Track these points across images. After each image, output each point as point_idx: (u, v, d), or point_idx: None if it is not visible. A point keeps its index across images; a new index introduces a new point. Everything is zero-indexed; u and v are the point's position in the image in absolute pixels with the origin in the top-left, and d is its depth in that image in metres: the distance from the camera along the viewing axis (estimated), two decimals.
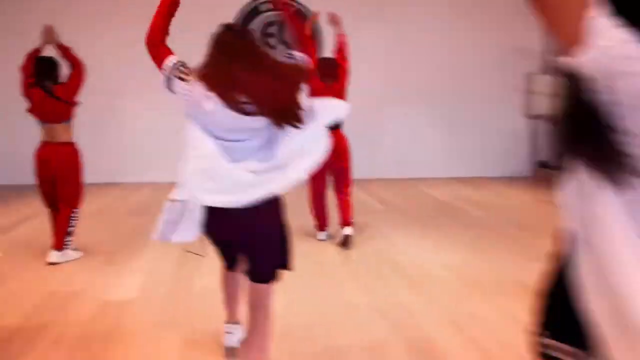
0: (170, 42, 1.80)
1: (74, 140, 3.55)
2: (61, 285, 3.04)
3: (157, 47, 1.78)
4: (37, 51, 3.50)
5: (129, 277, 3.18)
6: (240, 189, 1.66)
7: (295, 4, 6.77)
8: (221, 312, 2.23)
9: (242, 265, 1.95)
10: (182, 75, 1.72)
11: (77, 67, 3.47)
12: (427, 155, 7.34)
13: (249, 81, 1.66)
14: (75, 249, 3.57)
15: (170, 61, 1.74)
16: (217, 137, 1.71)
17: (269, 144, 1.75)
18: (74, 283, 3.08)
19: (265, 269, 1.86)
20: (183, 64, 1.74)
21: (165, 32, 1.81)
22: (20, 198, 5.62)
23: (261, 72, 1.68)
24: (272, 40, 7.01)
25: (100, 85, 5.48)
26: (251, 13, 6.91)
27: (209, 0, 6.69)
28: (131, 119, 6.89)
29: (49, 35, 3.46)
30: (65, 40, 3.53)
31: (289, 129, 1.71)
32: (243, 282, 2.02)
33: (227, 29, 1.79)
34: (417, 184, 6.70)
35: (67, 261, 3.45)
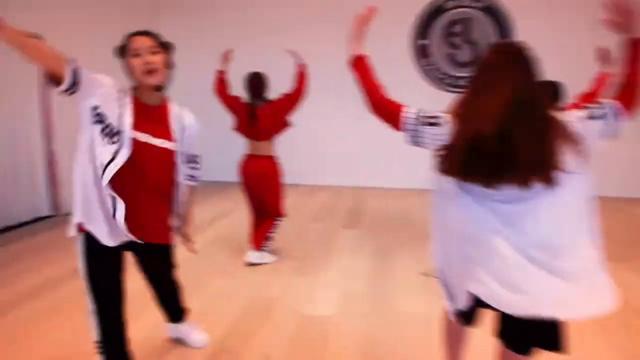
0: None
1: (276, 153, 3.64)
2: (260, 291, 3.11)
3: (385, 106, 1.53)
4: (222, 73, 3.55)
5: (323, 292, 3.11)
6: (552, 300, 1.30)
7: None
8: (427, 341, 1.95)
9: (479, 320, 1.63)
10: (432, 120, 1.43)
11: (299, 89, 3.46)
12: None
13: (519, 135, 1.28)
14: (271, 253, 3.70)
15: (409, 114, 1.47)
16: (483, 197, 1.38)
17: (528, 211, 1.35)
18: (271, 290, 3.14)
19: (535, 338, 1.48)
20: (423, 111, 1.46)
21: (382, 89, 1.57)
22: (219, 193, 6.22)
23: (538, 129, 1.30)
24: (457, 40, 6.52)
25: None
26: (435, 11, 6.51)
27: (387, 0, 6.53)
28: (310, 121, 7.09)
29: (226, 59, 3.55)
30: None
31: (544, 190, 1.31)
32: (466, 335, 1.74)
33: (498, 49, 1.41)
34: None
35: (263, 263, 3.59)
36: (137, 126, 1.67)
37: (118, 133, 1.62)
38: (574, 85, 6.44)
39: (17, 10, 4.03)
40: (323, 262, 3.69)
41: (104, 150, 1.59)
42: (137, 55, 1.68)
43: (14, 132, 4.65)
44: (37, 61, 1.50)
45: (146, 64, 1.67)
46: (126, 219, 1.64)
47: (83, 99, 1.59)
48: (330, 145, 6.89)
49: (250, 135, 3.53)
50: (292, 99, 3.47)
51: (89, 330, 1.78)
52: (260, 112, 3.44)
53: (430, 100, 6.42)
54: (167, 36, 1.82)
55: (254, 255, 3.57)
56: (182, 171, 1.90)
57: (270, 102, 3.50)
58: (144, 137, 1.69)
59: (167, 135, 1.79)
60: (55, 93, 1.57)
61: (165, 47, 1.75)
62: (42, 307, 2.84)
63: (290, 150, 7.10)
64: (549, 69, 6.39)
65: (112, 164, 1.59)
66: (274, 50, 6.72)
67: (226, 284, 3.25)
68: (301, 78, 3.49)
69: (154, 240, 1.83)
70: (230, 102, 3.55)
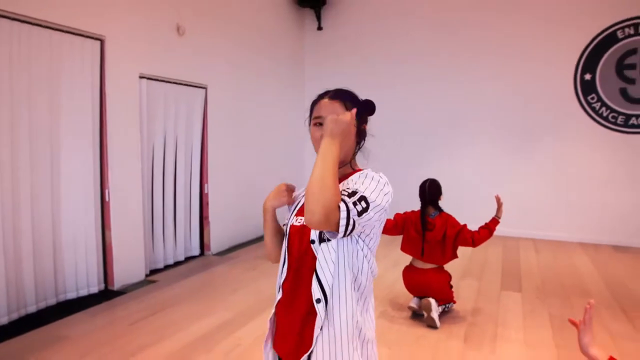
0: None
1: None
2: None
3: None
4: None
5: None
6: None
7: None
8: None
9: None
10: None
11: (477, 241, 3.33)
12: None
13: None
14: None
15: None
16: None
17: None
18: None
19: None
20: None
21: None
22: None
23: None
24: (631, 73, 5.65)
25: None
26: (607, 40, 5.73)
27: (555, 30, 5.92)
28: (456, 163, 6.66)
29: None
30: None
31: None
32: None
33: None
34: None
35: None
36: (298, 211, 1.37)
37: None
38: None
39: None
40: (493, 332, 3.20)
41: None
42: (319, 124, 1.30)
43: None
44: None
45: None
46: None
47: None
48: (473, 189, 6.34)
49: (417, 253, 3.44)
50: (465, 241, 3.34)
51: None
52: (433, 222, 3.36)
53: (598, 141, 5.75)
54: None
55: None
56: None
57: (444, 214, 3.42)
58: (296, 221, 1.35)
59: None
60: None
61: (359, 113, 1.28)
62: None
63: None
64: None
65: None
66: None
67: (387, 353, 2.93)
68: (487, 233, 3.33)
69: None
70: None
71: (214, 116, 5.24)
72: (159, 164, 4.60)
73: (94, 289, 3.89)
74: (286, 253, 1.34)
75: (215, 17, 5.20)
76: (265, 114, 6.33)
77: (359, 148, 1.36)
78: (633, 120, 5.69)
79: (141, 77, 4.24)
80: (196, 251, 5.18)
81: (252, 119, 6.01)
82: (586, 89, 5.85)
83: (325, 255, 1.21)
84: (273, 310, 1.37)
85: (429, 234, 3.35)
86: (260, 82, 6.19)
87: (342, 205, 1.08)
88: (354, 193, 1.13)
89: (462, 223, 3.41)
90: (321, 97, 1.35)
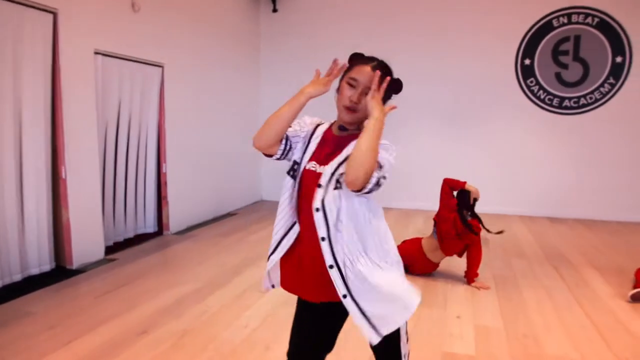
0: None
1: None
2: None
3: None
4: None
5: (458, 328, 2.94)
6: None
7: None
8: None
9: None
10: None
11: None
12: None
13: None
14: None
15: None
16: None
17: None
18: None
19: None
20: None
21: None
22: None
23: None
24: (565, 59, 6.14)
25: None
26: (543, 28, 6.18)
27: (497, 18, 6.32)
28: (421, 143, 6.96)
29: None
30: None
31: None
32: None
33: None
34: None
35: None
36: (312, 157, 1.53)
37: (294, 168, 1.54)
38: None
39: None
40: (447, 292, 3.49)
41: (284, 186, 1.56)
42: (351, 84, 1.46)
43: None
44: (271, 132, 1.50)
45: (351, 102, 1.45)
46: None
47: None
48: (421, 170, 6.68)
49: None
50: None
51: None
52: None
53: (535, 121, 6.24)
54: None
55: None
56: None
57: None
58: (311, 166, 1.51)
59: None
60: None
61: (388, 89, 1.42)
62: None
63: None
64: None
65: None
66: None
67: None
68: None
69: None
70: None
71: (171, 96, 5.22)
72: (113, 142, 4.55)
73: (46, 268, 3.81)
74: (297, 194, 1.52)
75: None
76: (223, 94, 6.34)
77: None
78: (566, 103, 6.21)
79: (96, 53, 4.16)
80: (153, 230, 5.18)
81: (210, 100, 6.02)
82: (526, 73, 6.30)
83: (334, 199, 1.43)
84: (275, 253, 1.59)
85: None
86: (218, 63, 6.19)
87: (373, 179, 1.33)
88: (380, 167, 1.36)
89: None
90: (365, 61, 1.49)
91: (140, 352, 2.54)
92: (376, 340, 1.42)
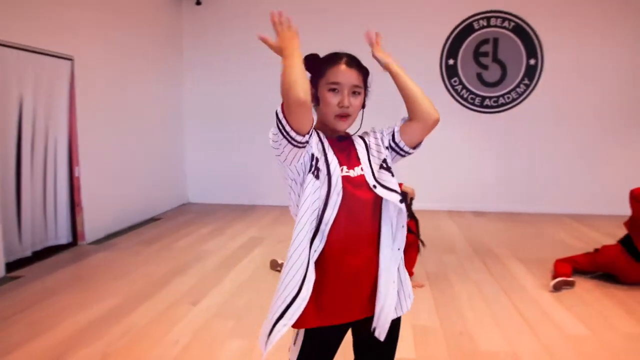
0: None
1: None
2: None
3: None
4: None
5: None
6: None
7: None
8: None
9: None
10: None
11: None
12: None
13: None
14: None
15: None
16: None
17: None
18: None
19: None
20: None
21: None
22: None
23: None
24: (485, 60, 6.44)
25: None
26: (465, 30, 6.43)
27: (421, 18, 6.47)
28: None
29: None
30: None
31: None
32: None
33: None
34: None
35: None
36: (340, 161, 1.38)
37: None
38: (606, 101, 6.39)
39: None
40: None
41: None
42: (333, 90, 1.35)
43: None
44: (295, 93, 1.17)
45: (342, 108, 1.35)
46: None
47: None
48: None
49: None
50: None
51: None
52: None
53: (460, 119, 6.49)
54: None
55: None
56: None
57: None
58: (345, 171, 1.38)
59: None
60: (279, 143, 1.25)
61: (366, 85, 1.45)
62: None
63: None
64: (576, 88, 6.42)
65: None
66: None
67: None
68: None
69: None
70: None
71: (83, 92, 4.74)
72: (14, 145, 4.04)
73: None
74: (338, 203, 1.30)
75: None
76: (143, 91, 5.91)
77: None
78: (487, 102, 6.52)
79: None
80: (66, 240, 4.68)
81: (128, 96, 5.57)
82: (450, 73, 6.53)
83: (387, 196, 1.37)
84: (306, 279, 1.27)
85: None
86: (136, 56, 5.75)
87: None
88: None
89: None
90: (334, 61, 1.37)
91: None
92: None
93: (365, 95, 1.46)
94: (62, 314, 3.04)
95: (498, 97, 6.48)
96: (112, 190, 5.25)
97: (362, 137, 1.51)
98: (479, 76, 6.48)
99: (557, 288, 3.53)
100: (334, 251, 1.32)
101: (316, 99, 1.38)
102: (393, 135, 1.48)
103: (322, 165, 1.32)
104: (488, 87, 6.48)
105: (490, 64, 6.43)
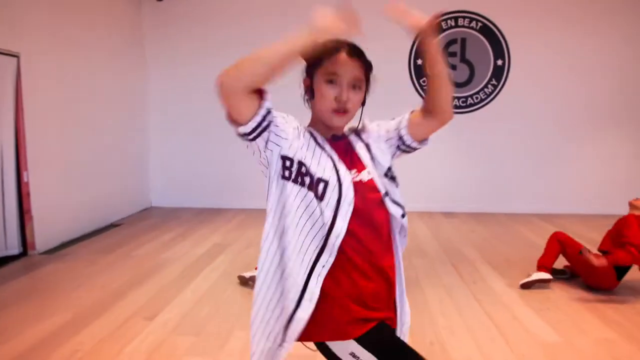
0: None
1: None
2: None
3: None
4: None
5: None
6: None
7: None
8: None
9: None
10: None
11: None
12: None
13: None
14: None
15: None
16: None
17: None
18: None
19: None
20: None
21: None
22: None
23: None
24: (453, 60, 6.42)
25: None
26: None
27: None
28: None
29: None
30: None
31: None
32: None
33: None
34: None
35: None
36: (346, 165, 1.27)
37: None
38: (573, 100, 6.46)
39: None
40: None
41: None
42: (331, 81, 1.22)
43: None
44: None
45: (339, 102, 1.21)
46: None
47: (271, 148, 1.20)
48: None
49: None
50: None
51: None
52: None
53: None
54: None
55: None
56: None
57: None
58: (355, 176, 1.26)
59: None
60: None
61: (368, 80, 1.30)
62: None
63: None
64: (543, 88, 6.46)
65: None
66: None
67: None
68: None
69: None
70: None
71: (31, 91, 4.42)
72: None
73: None
74: (350, 213, 1.18)
75: None
76: (100, 89, 5.60)
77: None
78: (456, 102, 6.50)
79: None
80: (14, 251, 4.35)
81: (84, 95, 5.25)
82: (419, 73, 6.47)
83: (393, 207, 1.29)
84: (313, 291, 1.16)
85: None
86: (93, 55, 5.43)
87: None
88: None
89: None
90: (337, 48, 1.21)
91: None
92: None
93: (367, 91, 1.31)
94: (3, 335, 2.77)
95: (467, 97, 6.47)
96: (65, 196, 4.93)
97: (358, 135, 1.35)
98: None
99: (526, 287, 3.51)
100: (347, 263, 1.20)
101: (311, 92, 1.24)
102: (400, 132, 1.33)
103: (317, 170, 1.18)
104: (457, 87, 6.46)
105: (459, 64, 6.41)
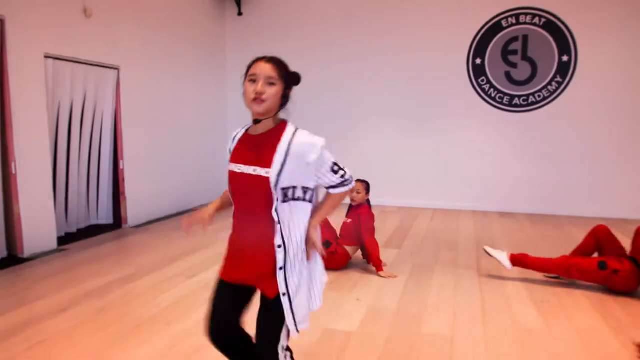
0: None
1: None
2: None
3: None
4: None
5: (351, 307, 3.17)
6: None
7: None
8: None
9: None
10: None
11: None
12: None
13: None
14: None
15: None
16: None
17: None
18: None
19: None
20: None
21: None
22: None
23: None
24: (514, 58, 6.33)
25: None
26: (493, 28, 6.38)
27: (449, 19, 6.52)
28: (359, 140, 7.18)
29: None
30: None
31: None
32: None
33: None
34: None
35: None
36: (233, 158, 1.69)
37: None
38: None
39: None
40: (359, 280, 3.73)
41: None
42: (252, 80, 1.62)
43: None
44: None
45: (256, 93, 1.58)
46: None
47: None
48: (379, 165, 6.91)
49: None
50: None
51: None
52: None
53: (487, 119, 6.43)
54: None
55: None
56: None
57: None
58: (237, 168, 1.65)
59: (263, 163, 1.59)
60: None
61: (287, 80, 1.65)
62: None
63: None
64: (612, 85, 6.04)
65: None
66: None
67: None
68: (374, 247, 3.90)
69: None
70: None
71: (128, 97, 5.50)
72: (65, 141, 4.86)
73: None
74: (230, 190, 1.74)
75: (126, 0, 5.44)
76: (185, 94, 6.62)
77: (283, 107, 1.68)
78: (516, 101, 6.39)
79: (47, 57, 4.46)
80: (108, 221, 5.52)
81: (171, 102, 6.30)
82: (477, 72, 6.50)
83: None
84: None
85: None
86: (179, 66, 6.46)
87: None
88: (340, 168, 1.70)
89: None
90: (258, 59, 1.65)
91: (60, 323, 2.82)
92: (295, 334, 1.69)
93: (286, 89, 1.65)
94: (83, 278, 3.69)
95: (528, 95, 6.33)
96: (152, 183, 5.99)
97: (294, 143, 1.60)
98: (508, 75, 6.37)
99: (487, 254, 3.80)
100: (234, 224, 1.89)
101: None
102: (316, 174, 1.64)
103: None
104: (517, 85, 6.35)
105: (520, 62, 6.30)
